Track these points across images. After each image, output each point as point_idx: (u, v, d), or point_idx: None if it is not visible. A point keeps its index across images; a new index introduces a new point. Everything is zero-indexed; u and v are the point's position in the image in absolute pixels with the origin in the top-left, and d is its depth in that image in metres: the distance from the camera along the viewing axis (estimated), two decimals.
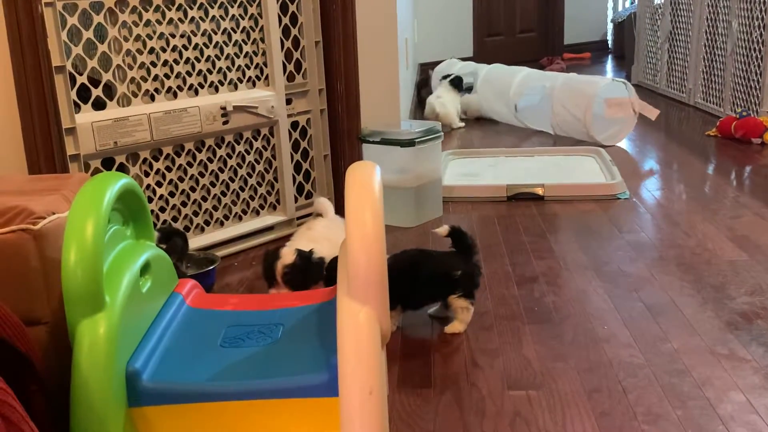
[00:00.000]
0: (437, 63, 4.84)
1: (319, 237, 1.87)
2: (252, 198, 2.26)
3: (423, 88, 4.91)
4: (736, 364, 1.50)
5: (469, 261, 1.71)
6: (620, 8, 6.76)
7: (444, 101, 4.00)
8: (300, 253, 1.71)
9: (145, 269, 1.19)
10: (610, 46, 6.92)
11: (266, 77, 2.21)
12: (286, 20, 2.25)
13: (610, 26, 6.93)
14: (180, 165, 2.07)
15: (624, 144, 3.48)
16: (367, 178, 1.13)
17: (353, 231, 1.06)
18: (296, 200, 2.37)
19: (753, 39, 3.55)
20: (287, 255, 1.70)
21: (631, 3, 6.57)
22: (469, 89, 4.18)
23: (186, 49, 2.04)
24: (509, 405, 1.39)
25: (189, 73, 2.06)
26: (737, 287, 1.85)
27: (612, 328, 1.66)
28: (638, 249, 2.14)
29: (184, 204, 2.10)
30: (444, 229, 1.72)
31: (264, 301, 1.37)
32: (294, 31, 2.28)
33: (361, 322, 1.05)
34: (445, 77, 4.14)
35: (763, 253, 2.05)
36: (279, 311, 1.31)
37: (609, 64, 6.30)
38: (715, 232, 2.25)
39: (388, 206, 1.91)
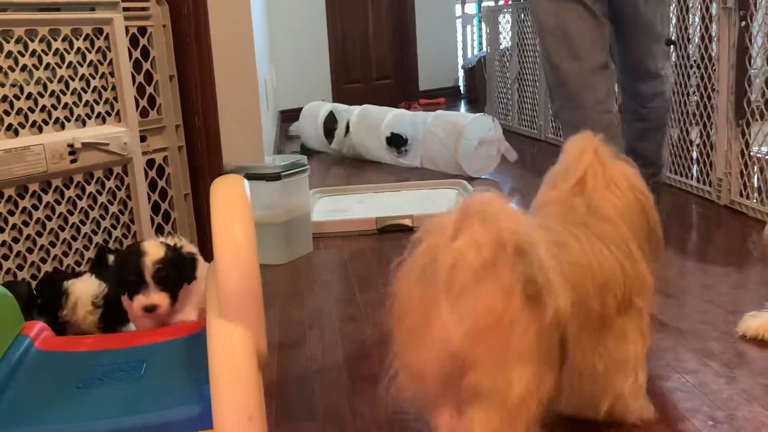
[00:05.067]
0: (299, 110, 4.82)
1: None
2: (106, 242, 2.11)
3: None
4: None
5: None
6: (470, 55, 7.06)
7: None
8: (168, 246, 1.43)
9: None
10: (462, 90, 7.19)
11: (117, 113, 2.09)
12: (136, 54, 2.15)
13: (461, 72, 7.20)
14: (24, 208, 1.89)
15: (484, 177, 3.57)
16: (234, 190, 1.06)
17: (223, 246, 0.99)
18: None
19: None
20: (154, 249, 1.41)
21: (479, 50, 6.88)
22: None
23: (27, 83, 1.89)
24: (397, 429, 1.33)
25: (31, 109, 1.90)
26: None
27: None
28: None
29: (30, 250, 1.92)
30: None
31: (123, 340, 1.26)
32: (146, 65, 2.17)
33: (235, 343, 0.96)
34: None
35: None
36: (141, 348, 1.20)
37: (462, 108, 6.52)
38: None
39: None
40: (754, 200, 2.56)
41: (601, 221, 1.25)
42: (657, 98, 2.15)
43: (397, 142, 3.97)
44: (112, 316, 1.54)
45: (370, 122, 4.07)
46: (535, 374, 0.99)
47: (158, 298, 1.38)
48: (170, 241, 1.48)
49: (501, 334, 0.97)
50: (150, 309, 1.38)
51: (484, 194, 1.02)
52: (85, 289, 1.59)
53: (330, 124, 4.42)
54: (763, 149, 2.53)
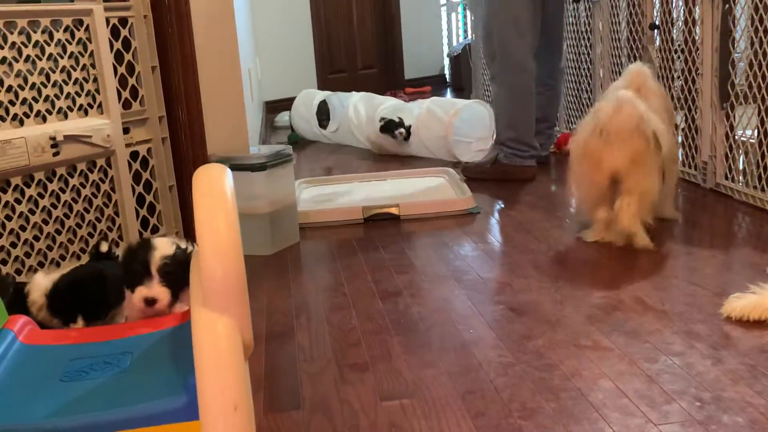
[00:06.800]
0: (284, 101, 4.80)
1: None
2: (91, 235, 2.09)
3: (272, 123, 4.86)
4: (601, 353, 1.52)
5: None
6: (455, 43, 7.04)
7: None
8: (179, 247, 1.43)
9: None
10: (447, 79, 7.17)
11: (99, 105, 2.07)
12: (118, 45, 2.12)
13: (446, 61, 7.19)
14: (7, 202, 1.88)
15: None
16: (216, 180, 1.05)
17: (205, 236, 0.98)
18: (141, 236, 2.21)
19: (582, 59, 3.76)
20: (165, 245, 1.41)
21: (464, 38, 6.86)
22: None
23: (7, 76, 1.87)
24: (383, 416, 1.33)
25: (12, 102, 1.89)
26: (593, 283, 1.90)
27: (478, 332, 1.65)
28: (495, 257, 2.16)
29: (13, 245, 1.90)
30: None
31: (108, 332, 1.25)
32: (128, 56, 2.15)
33: (219, 332, 0.95)
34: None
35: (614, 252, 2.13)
36: (125, 340, 1.19)
37: (449, 96, 6.50)
38: (565, 236, 2.32)
39: (242, 234, 1.82)
40: (740, 183, 2.57)
41: (651, 112, 2.13)
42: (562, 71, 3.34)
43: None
44: (60, 306, 1.56)
45: (370, 104, 4.08)
46: (656, 181, 2.10)
47: (160, 291, 1.35)
48: (183, 244, 1.46)
49: (644, 160, 2.06)
50: (150, 302, 1.36)
51: (626, 93, 2.12)
52: (38, 286, 1.60)
53: (322, 113, 4.40)
54: (748, 132, 2.53)
